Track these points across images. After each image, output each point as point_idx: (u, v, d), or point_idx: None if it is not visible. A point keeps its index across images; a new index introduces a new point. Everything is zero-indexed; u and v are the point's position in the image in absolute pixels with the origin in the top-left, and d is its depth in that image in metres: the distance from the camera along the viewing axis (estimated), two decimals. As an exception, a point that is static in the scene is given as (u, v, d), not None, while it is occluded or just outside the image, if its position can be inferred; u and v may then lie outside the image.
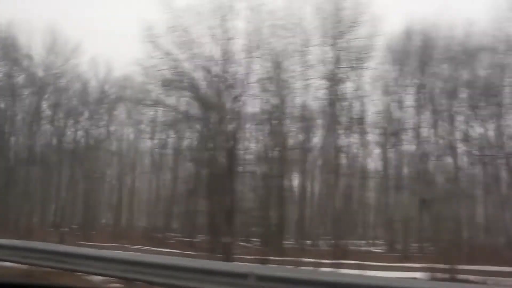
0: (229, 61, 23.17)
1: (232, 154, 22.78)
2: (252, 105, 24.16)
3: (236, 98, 23.52)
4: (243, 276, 6.71)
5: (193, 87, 23.89)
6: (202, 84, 23.97)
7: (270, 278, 6.76)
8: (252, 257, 17.21)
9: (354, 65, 24.26)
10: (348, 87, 24.87)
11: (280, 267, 8.27)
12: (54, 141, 34.68)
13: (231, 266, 6.92)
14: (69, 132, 35.56)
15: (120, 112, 36.76)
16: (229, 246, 20.11)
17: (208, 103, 23.75)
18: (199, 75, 23.79)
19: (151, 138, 36.68)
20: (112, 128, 36.93)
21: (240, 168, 23.41)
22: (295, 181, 28.45)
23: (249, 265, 6.86)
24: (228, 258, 17.57)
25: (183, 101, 25.97)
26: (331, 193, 24.73)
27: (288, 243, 25.32)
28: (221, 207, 21.79)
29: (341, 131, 25.16)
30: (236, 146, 23.32)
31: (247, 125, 25.07)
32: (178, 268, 6.72)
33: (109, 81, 35.98)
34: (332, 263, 15.64)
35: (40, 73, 33.27)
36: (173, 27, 22.47)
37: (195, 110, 25.22)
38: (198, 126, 25.92)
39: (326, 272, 7.47)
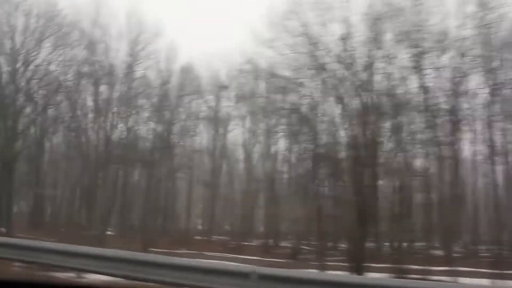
0: (365, 43, 20.95)
1: (366, 148, 20.28)
2: (390, 94, 21.44)
3: (372, 86, 21.21)
4: (245, 275, 6.85)
5: (323, 71, 21.66)
6: (334, 67, 21.60)
7: (271, 277, 6.80)
8: (384, 265, 16.24)
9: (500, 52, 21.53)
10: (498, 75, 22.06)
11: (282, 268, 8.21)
12: (126, 138, 31.66)
13: (232, 266, 7.09)
14: (144, 127, 32.71)
15: (205, 104, 34.24)
16: (361, 253, 17.88)
17: (342, 90, 21.46)
18: (331, 59, 21.48)
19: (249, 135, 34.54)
20: (193, 122, 34.28)
21: (374, 165, 20.55)
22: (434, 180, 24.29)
23: (250, 265, 6.95)
24: (358, 268, 15.25)
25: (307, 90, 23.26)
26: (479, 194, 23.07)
27: (426, 248, 23.18)
28: (349, 209, 19.56)
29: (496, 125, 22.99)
30: (370, 140, 20.57)
31: (384, 117, 21.89)
32: (178, 267, 7.01)
33: (193, 70, 33.25)
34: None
35: (115, 60, 30.47)
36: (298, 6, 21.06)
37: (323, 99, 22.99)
38: (322, 118, 23.57)
39: (327, 272, 7.40)
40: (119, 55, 30.54)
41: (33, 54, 28.17)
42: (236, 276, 6.86)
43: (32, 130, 31.75)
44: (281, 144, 31.02)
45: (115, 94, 30.76)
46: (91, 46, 29.70)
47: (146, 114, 32.15)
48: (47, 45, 28.32)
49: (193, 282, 6.78)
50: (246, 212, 31.44)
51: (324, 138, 22.98)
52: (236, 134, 35.46)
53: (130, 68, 30.63)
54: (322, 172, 23.58)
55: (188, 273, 6.85)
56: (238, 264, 7.06)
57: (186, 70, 33.12)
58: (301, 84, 22.53)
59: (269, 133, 31.37)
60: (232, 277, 6.86)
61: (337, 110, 22.30)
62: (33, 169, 33.05)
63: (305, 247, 27.67)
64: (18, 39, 28.02)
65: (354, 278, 6.70)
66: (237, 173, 36.44)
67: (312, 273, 6.97)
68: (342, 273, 7.83)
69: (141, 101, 31.74)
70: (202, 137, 36.11)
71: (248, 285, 6.72)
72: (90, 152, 30.50)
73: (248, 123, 34.25)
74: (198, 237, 32.13)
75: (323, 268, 16.93)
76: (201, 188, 36.11)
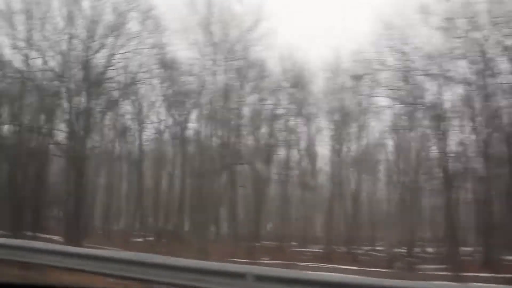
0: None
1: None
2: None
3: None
4: (241, 276, 6.80)
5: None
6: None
7: (268, 278, 6.72)
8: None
9: None
10: None
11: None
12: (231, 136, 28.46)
13: (229, 266, 7.06)
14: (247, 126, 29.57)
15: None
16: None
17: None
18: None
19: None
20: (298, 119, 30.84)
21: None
22: None
23: (246, 265, 6.89)
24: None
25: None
26: None
27: None
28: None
29: None
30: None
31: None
32: (175, 268, 7.12)
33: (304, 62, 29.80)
34: None
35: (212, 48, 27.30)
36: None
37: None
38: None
39: (324, 272, 7.08)
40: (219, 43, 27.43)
41: (112, 44, 24.98)
42: (232, 276, 6.84)
43: (105, 128, 28.85)
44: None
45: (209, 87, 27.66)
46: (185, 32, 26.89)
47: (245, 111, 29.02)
48: (127, 32, 25.14)
49: (190, 283, 6.87)
50: (334, 217, 29.96)
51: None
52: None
53: (231, 56, 27.46)
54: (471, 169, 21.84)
55: (185, 273, 6.94)
56: (234, 264, 6.97)
57: (295, 60, 30.00)
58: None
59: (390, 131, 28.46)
60: (229, 277, 6.86)
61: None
62: (108, 171, 30.96)
63: (402, 254, 26.24)
64: (90, 29, 24.87)
65: (351, 278, 6.38)
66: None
67: (307, 273, 6.75)
68: (340, 273, 7.41)
69: (240, 93, 28.51)
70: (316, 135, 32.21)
71: (245, 285, 6.66)
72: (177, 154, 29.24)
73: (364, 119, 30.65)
74: (292, 245, 29.82)
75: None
76: (298, 192, 32.60)
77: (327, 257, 25.71)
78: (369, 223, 29.86)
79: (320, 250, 27.41)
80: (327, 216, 29.43)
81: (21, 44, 24.28)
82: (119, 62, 25.43)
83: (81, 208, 24.48)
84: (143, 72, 26.34)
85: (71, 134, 24.53)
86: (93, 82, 24.64)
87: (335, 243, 27.44)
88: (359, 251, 27.05)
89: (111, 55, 25.03)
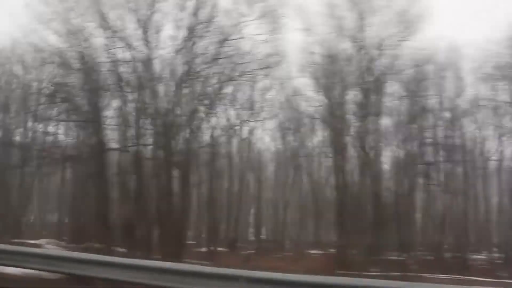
0: None
1: None
2: None
3: None
4: (234, 279, 6.59)
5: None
6: None
7: (260, 280, 6.53)
8: None
9: None
10: None
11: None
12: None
13: (222, 269, 6.87)
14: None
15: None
16: None
17: None
18: None
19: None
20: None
21: None
22: None
23: (239, 269, 6.69)
24: None
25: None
26: None
27: None
28: None
29: None
30: None
31: None
32: (168, 271, 7.01)
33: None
34: None
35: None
36: None
37: None
38: None
39: (317, 275, 6.65)
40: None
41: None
42: (225, 279, 6.68)
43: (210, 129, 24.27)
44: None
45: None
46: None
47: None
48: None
49: (182, 285, 6.79)
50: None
51: None
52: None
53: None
54: None
55: (178, 276, 6.93)
56: (226, 268, 6.84)
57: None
58: None
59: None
60: (222, 280, 6.72)
61: None
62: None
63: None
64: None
65: (343, 280, 5.93)
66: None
67: (300, 276, 6.45)
68: (334, 276, 6.80)
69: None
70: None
71: (238, 288, 6.44)
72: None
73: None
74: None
75: None
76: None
77: (433, 266, 21.88)
78: (458, 227, 27.01)
79: (401, 258, 25.14)
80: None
81: (113, 35, 20.16)
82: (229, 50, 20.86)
83: (182, 219, 21.17)
84: (257, 63, 21.66)
85: (172, 138, 20.56)
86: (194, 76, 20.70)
87: (419, 249, 25.24)
88: (452, 258, 24.61)
89: (220, 41, 20.68)
